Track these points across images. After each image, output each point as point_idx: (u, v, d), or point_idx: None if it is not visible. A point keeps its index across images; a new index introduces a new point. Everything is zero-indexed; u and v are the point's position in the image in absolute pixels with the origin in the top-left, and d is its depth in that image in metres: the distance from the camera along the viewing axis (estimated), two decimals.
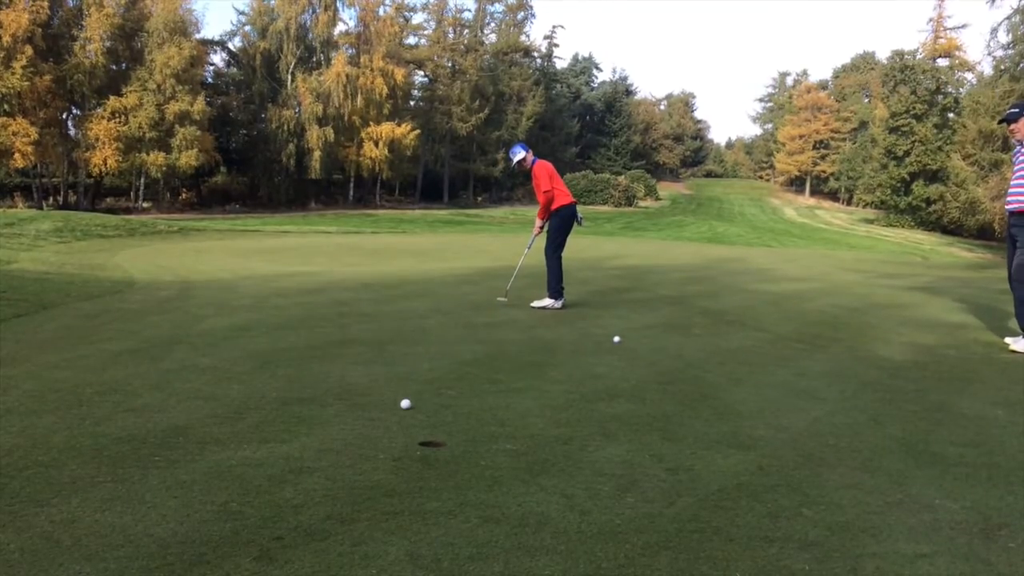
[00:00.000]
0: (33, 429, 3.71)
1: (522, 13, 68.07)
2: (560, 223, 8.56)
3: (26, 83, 40.11)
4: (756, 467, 3.43)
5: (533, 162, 8.63)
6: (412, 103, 62.76)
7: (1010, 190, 6.66)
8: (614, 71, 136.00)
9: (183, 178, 49.45)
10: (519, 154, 8.67)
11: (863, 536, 2.76)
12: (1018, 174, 6.54)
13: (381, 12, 56.99)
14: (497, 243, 21.65)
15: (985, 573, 2.52)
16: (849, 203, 76.19)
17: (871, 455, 3.64)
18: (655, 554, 2.57)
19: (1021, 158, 6.54)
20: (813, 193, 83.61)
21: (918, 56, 62.28)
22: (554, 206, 8.53)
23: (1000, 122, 6.84)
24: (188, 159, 44.94)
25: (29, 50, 40.28)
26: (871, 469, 3.45)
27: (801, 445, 3.75)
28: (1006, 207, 6.74)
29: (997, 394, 4.94)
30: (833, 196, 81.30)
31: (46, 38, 42.37)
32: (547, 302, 8.38)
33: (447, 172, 64.16)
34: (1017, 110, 6.55)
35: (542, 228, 8.81)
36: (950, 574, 2.50)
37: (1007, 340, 6.73)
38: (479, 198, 65.47)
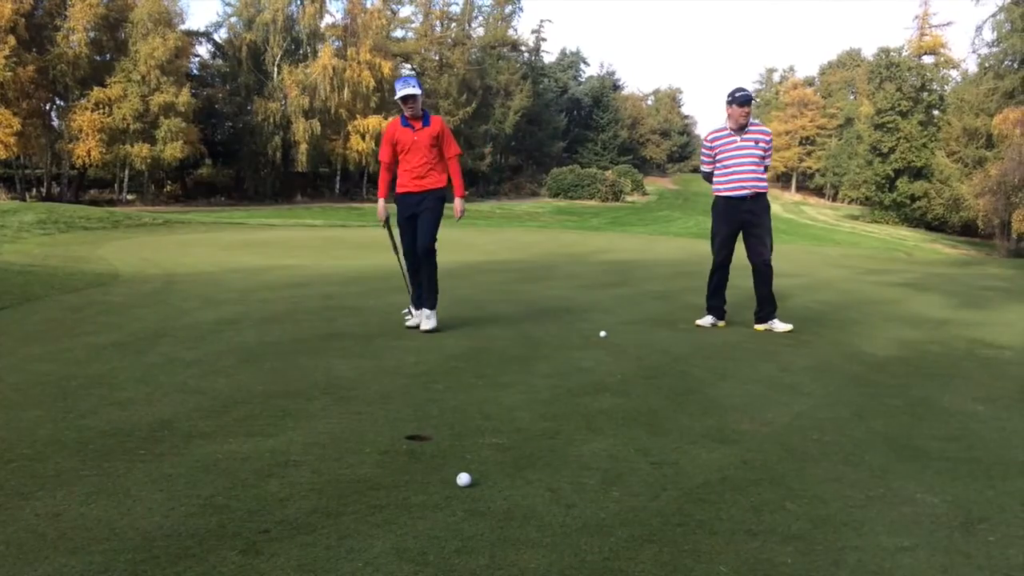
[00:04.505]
0: (17, 422, 3.70)
1: (510, 7, 67.81)
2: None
3: (9, 73, 39.65)
4: (740, 461, 3.46)
5: (428, 113, 6.53)
6: None
7: (736, 177, 6.99)
8: (601, 66, 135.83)
9: (168, 170, 48.98)
10: (417, 88, 6.36)
11: (845, 529, 2.79)
12: (729, 162, 6.96)
13: (368, 4, 56.68)
14: (484, 237, 21.64)
15: (964, 566, 2.55)
16: (834, 199, 76.58)
17: (854, 449, 3.68)
18: (639, 547, 2.59)
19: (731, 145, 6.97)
20: (799, 189, 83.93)
21: (904, 53, 62.56)
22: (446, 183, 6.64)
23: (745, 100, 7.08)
24: (173, 151, 44.56)
25: (12, 40, 39.81)
26: (854, 463, 3.48)
27: (785, 439, 3.79)
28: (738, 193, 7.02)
29: (979, 389, 5.00)
30: (819, 192, 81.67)
31: (29, 28, 41.89)
32: (433, 322, 6.42)
33: None
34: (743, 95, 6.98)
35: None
36: (930, 567, 2.53)
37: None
38: (466, 192, 65.36)
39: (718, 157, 7.04)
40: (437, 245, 6.56)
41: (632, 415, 4.12)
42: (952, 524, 2.87)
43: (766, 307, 7.04)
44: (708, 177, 7.25)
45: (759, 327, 6.97)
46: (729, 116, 6.96)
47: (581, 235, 26.51)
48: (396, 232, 6.78)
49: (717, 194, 7.12)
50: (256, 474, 3.11)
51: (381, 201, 6.74)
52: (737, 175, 6.96)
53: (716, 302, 7.22)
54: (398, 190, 6.57)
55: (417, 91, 6.30)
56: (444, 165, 6.59)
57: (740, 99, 6.90)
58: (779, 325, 6.93)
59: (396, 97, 6.41)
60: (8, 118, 39.83)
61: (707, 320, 7.18)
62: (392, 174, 6.59)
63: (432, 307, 6.46)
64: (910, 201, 57.51)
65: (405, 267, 6.77)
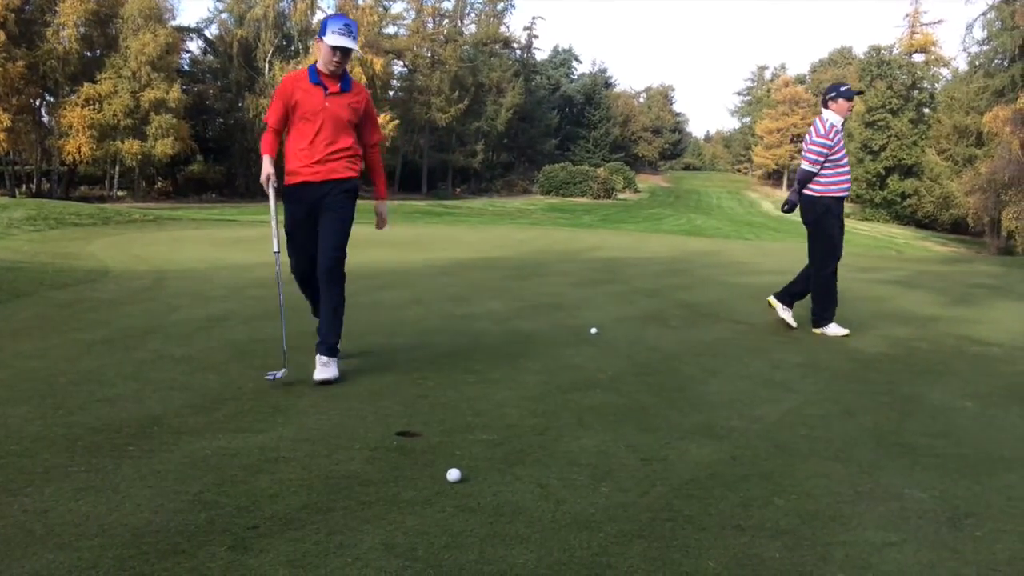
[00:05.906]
0: (6, 419, 3.68)
1: (502, 4, 67.86)
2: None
3: None
4: (729, 457, 3.47)
5: (349, 76, 4.62)
6: (391, 93, 62.46)
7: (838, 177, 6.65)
8: (594, 63, 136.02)
9: (158, 167, 48.84)
10: (354, 42, 4.40)
11: (833, 525, 2.80)
12: (843, 161, 6.61)
13: (360, 1, 56.60)
14: (476, 235, 21.62)
15: (951, 561, 2.57)
16: None
17: (842, 445, 3.70)
18: (628, 543, 2.60)
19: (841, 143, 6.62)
20: (790, 187, 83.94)
21: (894, 51, 62.83)
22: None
23: (854, 94, 6.79)
24: (164, 147, 44.45)
25: (1, 35, 39.64)
26: (842, 459, 3.50)
27: (774, 435, 3.80)
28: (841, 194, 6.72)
29: (967, 386, 5.02)
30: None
31: (19, 23, 41.67)
32: (332, 370, 4.50)
33: (426, 163, 63.94)
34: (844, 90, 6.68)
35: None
36: (917, 562, 2.55)
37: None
38: (458, 189, 65.31)
39: (833, 156, 6.54)
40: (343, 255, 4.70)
41: (622, 411, 4.13)
42: (939, 519, 2.89)
43: (798, 298, 6.95)
44: (811, 177, 6.60)
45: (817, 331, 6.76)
46: (835, 111, 6.57)
47: (573, 232, 26.51)
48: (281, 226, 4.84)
49: (828, 194, 6.59)
50: (245, 470, 3.11)
51: (267, 158, 4.55)
52: (848, 174, 6.72)
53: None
54: (288, 179, 4.66)
55: (356, 47, 4.44)
56: (359, 152, 4.75)
57: (848, 93, 6.65)
58: (787, 316, 6.92)
59: (327, 43, 4.37)
60: None
61: (843, 330, 6.67)
62: (281, 139, 4.60)
63: (331, 351, 4.52)
64: (900, 199, 57.82)
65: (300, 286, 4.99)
